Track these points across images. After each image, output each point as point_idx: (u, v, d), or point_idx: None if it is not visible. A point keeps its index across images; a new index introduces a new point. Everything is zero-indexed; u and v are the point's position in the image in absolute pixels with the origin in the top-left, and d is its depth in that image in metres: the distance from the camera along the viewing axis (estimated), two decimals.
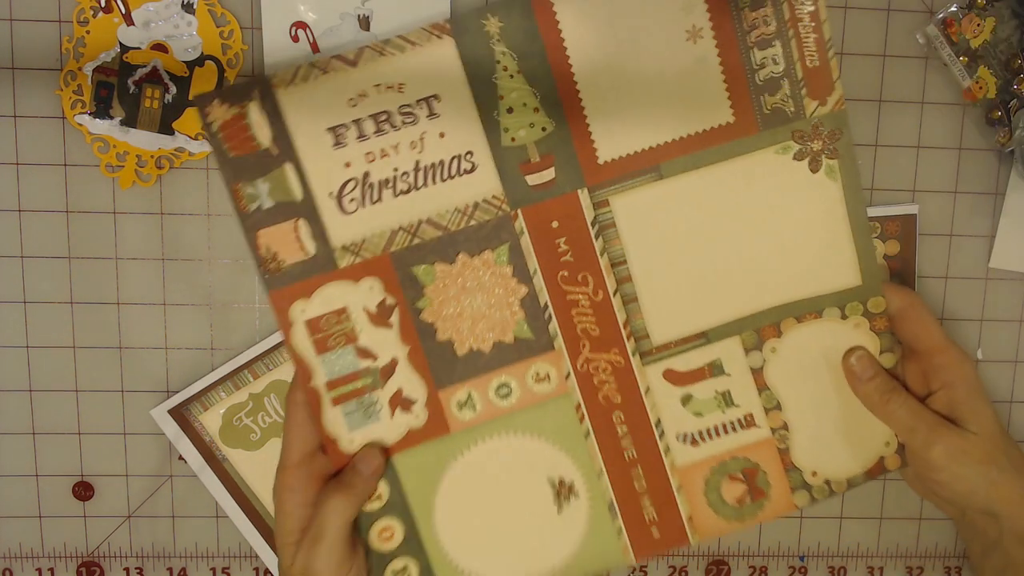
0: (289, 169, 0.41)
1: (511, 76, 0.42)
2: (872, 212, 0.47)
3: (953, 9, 0.46)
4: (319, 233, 0.41)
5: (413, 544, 0.44)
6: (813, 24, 0.42)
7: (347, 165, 0.41)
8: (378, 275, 0.42)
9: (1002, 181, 0.49)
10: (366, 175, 0.41)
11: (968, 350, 0.49)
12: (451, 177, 0.42)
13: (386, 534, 0.44)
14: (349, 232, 0.42)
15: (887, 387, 0.43)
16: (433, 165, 0.42)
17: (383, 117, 0.41)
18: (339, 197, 0.41)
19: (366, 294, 0.42)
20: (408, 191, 0.42)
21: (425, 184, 0.42)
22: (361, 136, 0.41)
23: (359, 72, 0.41)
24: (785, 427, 0.45)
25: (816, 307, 0.44)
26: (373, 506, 0.43)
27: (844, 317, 0.44)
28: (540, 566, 0.44)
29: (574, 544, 0.45)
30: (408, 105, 0.41)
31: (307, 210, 0.41)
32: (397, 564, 0.44)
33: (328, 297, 0.42)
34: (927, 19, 0.47)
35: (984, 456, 0.41)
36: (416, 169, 0.42)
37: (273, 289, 0.41)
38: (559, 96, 0.42)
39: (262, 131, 0.40)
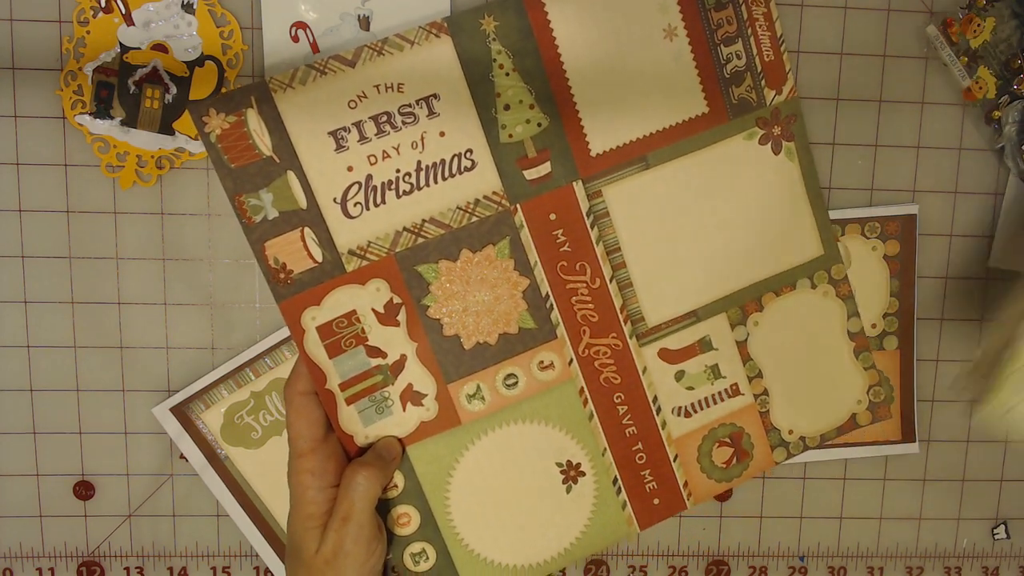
0: (292, 177, 0.40)
1: (507, 74, 0.42)
2: (872, 212, 0.48)
3: (953, 9, 0.46)
4: (325, 240, 0.41)
5: (429, 529, 0.45)
6: (767, 23, 0.45)
7: (349, 169, 0.41)
8: (384, 276, 0.42)
9: (1002, 181, 0.49)
10: (369, 178, 0.41)
11: (968, 350, 0.50)
12: (452, 175, 0.42)
13: (403, 520, 0.45)
14: (355, 236, 0.41)
15: None
16: (434, 164, 0.42)
17: (384, 118, 0.41)
18: (343, 202, 0.41)
19: (373, 295, 0.42)
20: (411, 191, 0.42)
21: (427, 184, 0.42)
22: (362, 138, 0.41)
23: (358, 72, 0.40)
24: (765, 392, 0.49)
25: (790, 279, 0.48)
26: (390, 494, 0.44)
27: (814, 287, 0.48)
28: (552, 545, 0.47)
29: (582, 521, 0.47)
30: (408, 105, 0.41)
31: (312, 217, 0.41)
32: (415, 547, 0.45)
33: (337, 302, 0.42)
34: (927, 19, 0.47)
35: None
36: (418, 169, 0.42)
37: (284, 300, 0.41)
38: (552, 92, 0.43)
39: (262, 139, 0.39)
